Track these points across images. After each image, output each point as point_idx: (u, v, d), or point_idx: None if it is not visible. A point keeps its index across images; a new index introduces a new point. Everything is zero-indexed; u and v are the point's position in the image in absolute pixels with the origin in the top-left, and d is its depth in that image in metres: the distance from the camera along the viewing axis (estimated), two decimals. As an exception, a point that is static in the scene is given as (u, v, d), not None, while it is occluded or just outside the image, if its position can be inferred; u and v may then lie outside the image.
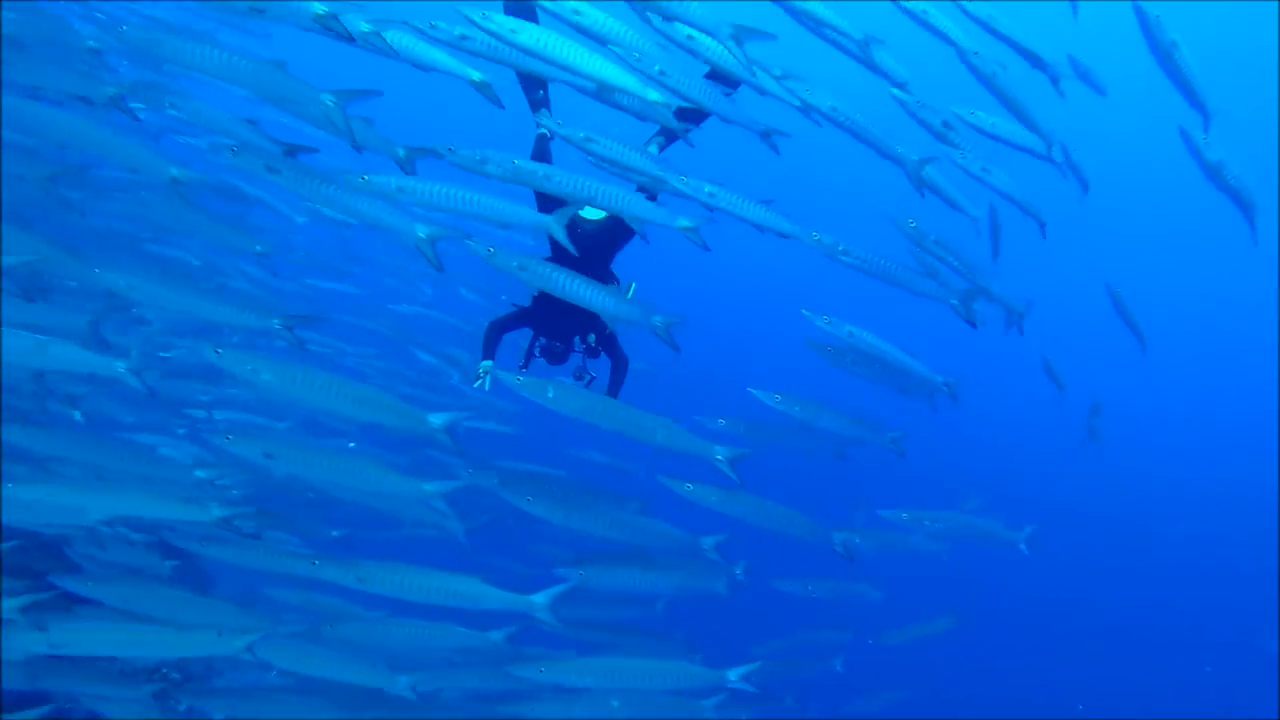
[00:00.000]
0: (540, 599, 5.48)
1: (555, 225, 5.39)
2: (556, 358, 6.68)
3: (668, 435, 5.53)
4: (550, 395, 5.20)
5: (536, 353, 6.65)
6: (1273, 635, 18.32)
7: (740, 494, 5.91)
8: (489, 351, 6.43)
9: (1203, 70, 6.32)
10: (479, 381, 6.25)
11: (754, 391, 5.92)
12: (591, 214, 6.51)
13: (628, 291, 6.72)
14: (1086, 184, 7.16)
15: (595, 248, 6.47)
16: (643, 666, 5.96)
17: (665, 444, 5.56)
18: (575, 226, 6.40)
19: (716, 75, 5.65)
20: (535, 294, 6.57)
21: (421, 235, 5.23)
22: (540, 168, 5.26)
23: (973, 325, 5.84)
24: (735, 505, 5.94)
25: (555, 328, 6.64)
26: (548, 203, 6.06)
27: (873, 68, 5.38)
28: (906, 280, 5.67)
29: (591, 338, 6.70)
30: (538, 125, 6.30)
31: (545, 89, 6.33)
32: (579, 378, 6.69)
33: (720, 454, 5.73)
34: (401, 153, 5.27)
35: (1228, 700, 17.84)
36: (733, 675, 6.11)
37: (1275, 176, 28.49)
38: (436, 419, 5.13)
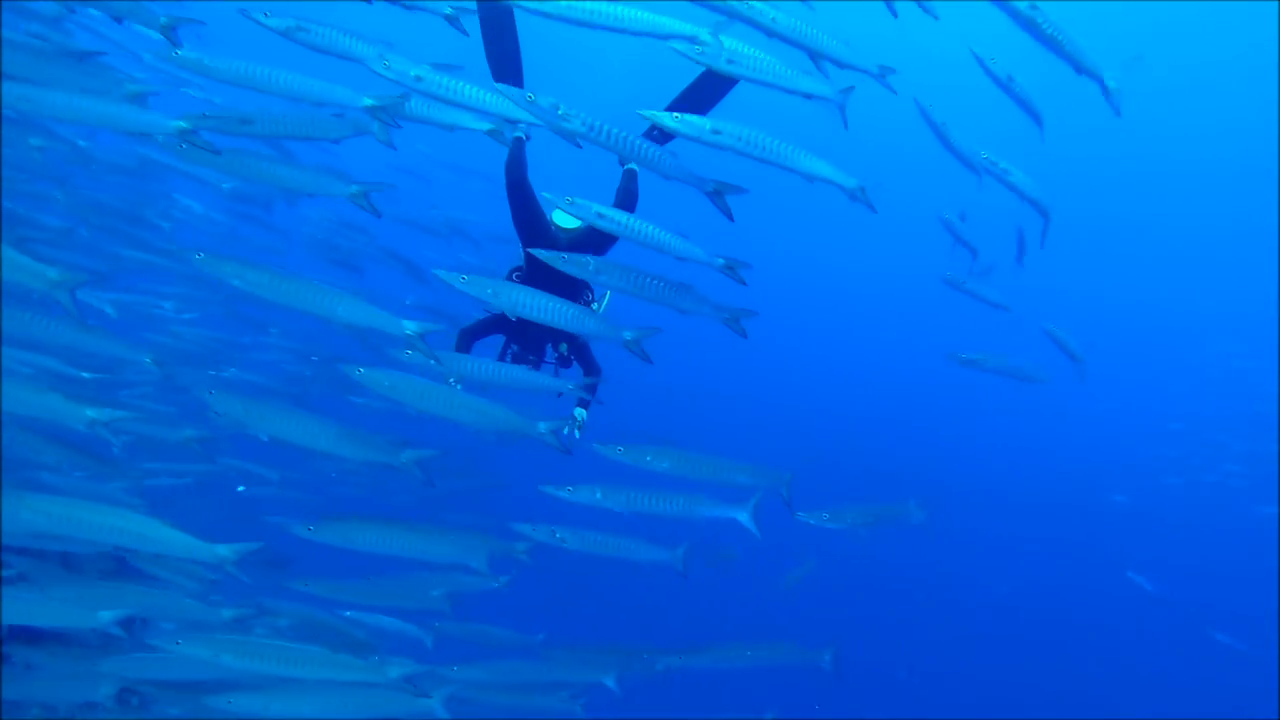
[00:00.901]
0: (226, 551, 4.75)
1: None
2: (528, 366, 6.26)
3: (349, 310, 4.81)
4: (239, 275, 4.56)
5: (508, 360, 6.26)
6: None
7: (421, 380, 5.07)
8: None
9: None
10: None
11: (439, 272, 4.89)
12: (567, 223, 6.12)
13: (602, 302, 6.37)
14: (1040, 122, 6.97)
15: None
16: (304, 654, 5.17)
17: (347, 320, 4.85)
18: (549, 236, 6.14)
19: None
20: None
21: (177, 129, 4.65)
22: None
23: (729, 218, 4.89)
24: (417, 394, 5.06)
25: (527, 335, 6.24)
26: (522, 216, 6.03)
27: None
28: (651, 160, 4.65)
29: (564, 346, 6.31)
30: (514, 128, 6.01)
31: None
32: None
33: (409, 329, 4.98)
34: (164, 20, 4.91)
35: (1228, 700, 16.93)
36: (393, 672, 5.28)
37: (1275, 176, 27.35)
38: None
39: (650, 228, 4.92)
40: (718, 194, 4.84)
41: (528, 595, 13.92)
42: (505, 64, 6.08)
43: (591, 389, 6.24)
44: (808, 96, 4.86)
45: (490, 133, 5.05)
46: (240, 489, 6.77)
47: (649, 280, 5.08)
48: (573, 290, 6.09)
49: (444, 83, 4.62)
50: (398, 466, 5.31)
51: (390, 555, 5.34)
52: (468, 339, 6.22)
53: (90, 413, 4.86)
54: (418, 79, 4.56)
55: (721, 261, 5.03)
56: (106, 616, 5.00)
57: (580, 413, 6.17)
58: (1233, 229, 31.18)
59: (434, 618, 7.04)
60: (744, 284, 5.09)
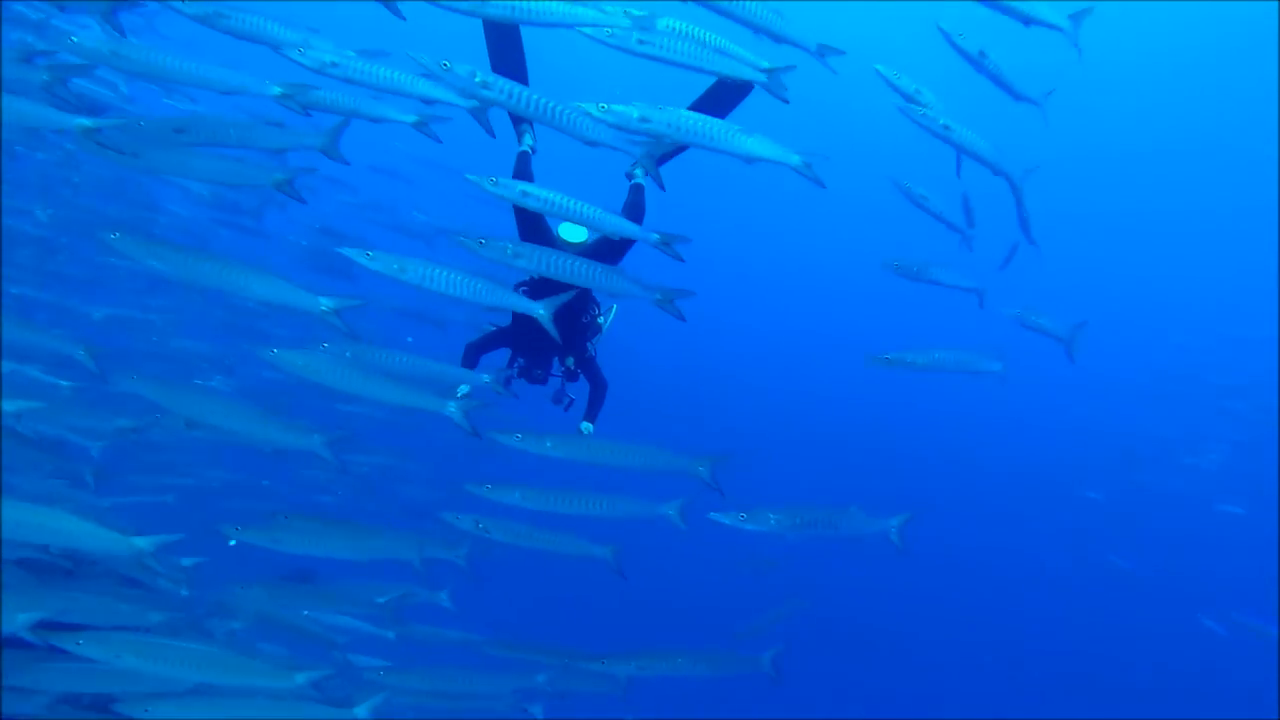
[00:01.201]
0: (144, 544, 4.57)
1: None
2: (535, 379, 6.19)
3: (265, 288, 4.77)
4: None
5: (515, 374, 6.16)
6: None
7: (333, 360, 4.99)
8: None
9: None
10: None
11: (345, 250, 4.72)
12: (572, 237, 5.97)
13: (609, 314, 6.27)
14: (1018, 97, 6.62)
15: None
16: (210, 657, 4.91)
17: (263, 297, 4.82)
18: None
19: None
20: (513, 314, 6.09)
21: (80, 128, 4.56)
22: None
23: (661, 187, 4.73)
24: (332, 373, 4.96)
25: (533, 349, 6.11)
26: (529, 232, 5.77)
27: None
28: (573, 125, 4.42)
29: (570, 360, 6.17)
30: (520, 143, 6.00)
31: None
32: (558, 401, 6.23)
33: (325, 305, 4.87)
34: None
35: (1228, 700, 16.63)
36: (300, 678, 5.07)
37: (1275, 175, 26.86)
38: None
39: (581, 204, 4.71)
40: (650, 158, 4.61)
41: (510, 597, 13.78)
42: (509, 72, 5.90)
43: (598, 401, 6.05)
44: (727, 78, 4.61)
45: (416, 125, 4.83)
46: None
47: (573, 264, 4.85)
48: (581, 302, 5.97)
49: (361, 68, 4.41)
50: (310, 451, 5.19)
51: (321, 557, 5.14)
52: (474, 352, 6.09)
53: None
54: (333, 65, 4.34)
55: (656, 237, 4.78)
56: (22, 619, 4.78)
57: (587, 426, 6.04)
58: (1209, 225, 30.81)
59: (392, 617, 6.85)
60: (681, 260, 4.86)
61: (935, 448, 24.74)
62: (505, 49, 5.89)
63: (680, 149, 5.82)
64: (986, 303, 7.54)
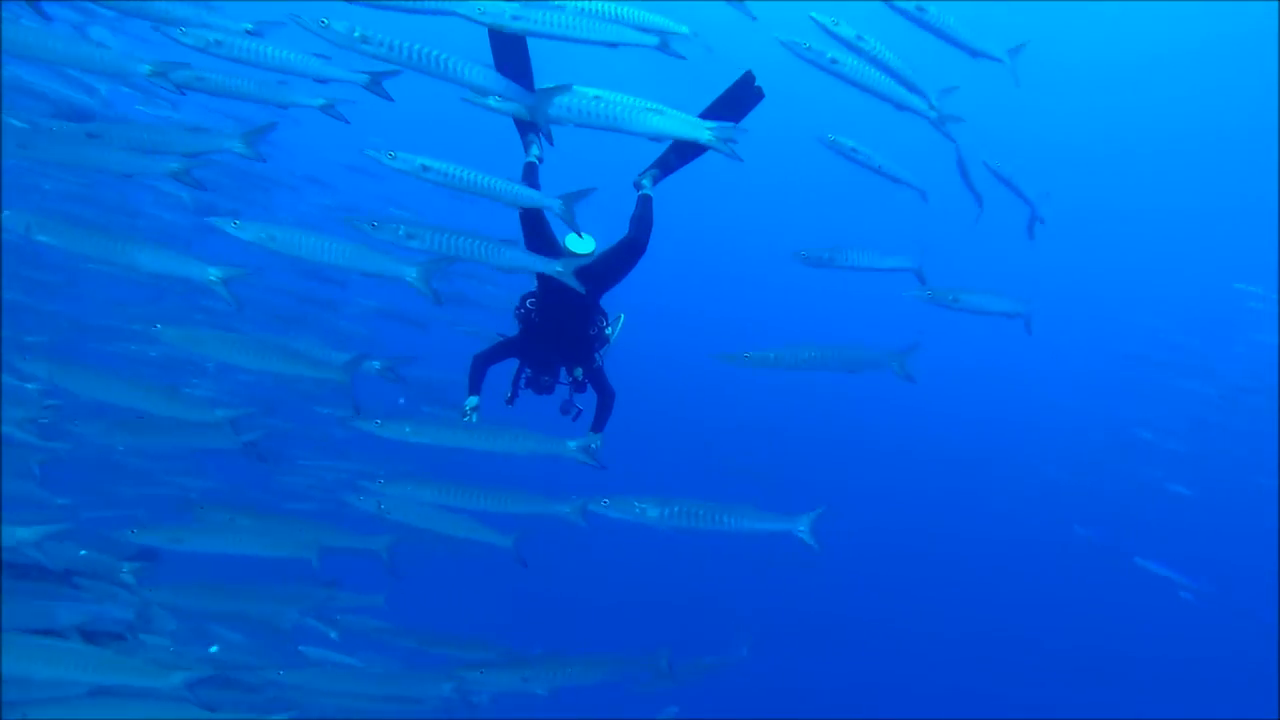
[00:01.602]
0: (27, 534, 4.61)
1: None
2: (543, 389, 6.07)
3: (151, 260, 4.71)
4: None
5: (523, 384, 6.09)
6: None
7: (211, 332, 5.10)
8: (475, 386, 5.88)
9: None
10: (467, 418, 5.70)
11: (212, 220, 4.60)
12: (580, 249, 5.81)
13: (617, 324, 6.19)
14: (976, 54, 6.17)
15: (584, 284, 5.84)
16: (85, 657, 4.72)
17: (150, 269, 4.82)
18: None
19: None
20: (521, 325, 6.09)
21: None
22: None
23: (549, 141, 4.61)
24: (210, 344, 5.04)
25: (541, 359, 6.01)
26: (534, 240, 5.67)
27: None
28: (463, 76, 4.26)
29: (578, 371, 6.05)
30: (527, 153, 5.94)
31: None
32: (565, 411, 6.15)
33: (213, 275, 4.85)
34: None
35: (1228, 700, 16.16)
36: (176, 679, 4.88)
37: (1275, 174, 26.43)
38: None
39: (481, 176, 4.57)
40: (535, 114, 4.47)
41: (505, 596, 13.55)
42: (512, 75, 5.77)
43: (605, 412, 5.98)
44: (612, 45, 4.37)
45: (324, 108, 4.62)
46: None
47: (465, 240, 4.72)
48: (588, 315, 5.91)
49: (247, 47, 4.18)
50: (212, 425, 5.34)
51: (225, 554, 4.99)
52: (482, 363, 6.01)
53: None
54: (218, 44, 4.11)
55: (559, 204, 4.58)
56: None
57: (595, 436, 5.96)
58: (1180, 212, 30.45)
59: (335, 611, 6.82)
60: (580, 234, 4.65)
61: (899, 439, 24.51)
62: (509, 54, 5.71)
63: (688, 159, 5.78)
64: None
